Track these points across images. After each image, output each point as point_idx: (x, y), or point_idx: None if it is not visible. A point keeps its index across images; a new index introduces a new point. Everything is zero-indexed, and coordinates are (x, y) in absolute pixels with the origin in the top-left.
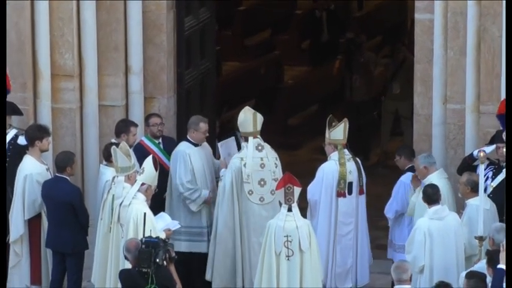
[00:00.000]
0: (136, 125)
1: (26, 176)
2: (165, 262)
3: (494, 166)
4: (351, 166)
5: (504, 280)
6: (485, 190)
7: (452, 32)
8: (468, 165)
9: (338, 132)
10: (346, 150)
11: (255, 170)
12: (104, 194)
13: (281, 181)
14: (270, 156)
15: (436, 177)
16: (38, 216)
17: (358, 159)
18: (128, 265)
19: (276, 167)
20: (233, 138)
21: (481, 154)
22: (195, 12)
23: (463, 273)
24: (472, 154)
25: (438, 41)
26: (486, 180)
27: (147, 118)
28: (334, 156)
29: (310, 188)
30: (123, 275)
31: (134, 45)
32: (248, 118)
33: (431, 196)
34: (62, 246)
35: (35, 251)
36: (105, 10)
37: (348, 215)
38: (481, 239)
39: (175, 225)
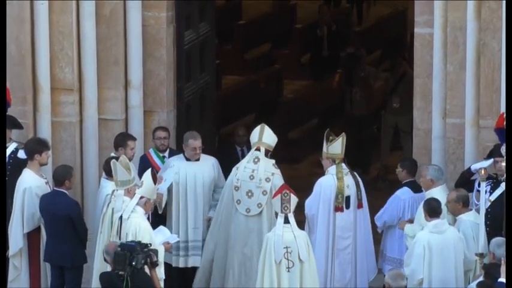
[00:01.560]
0: (134, 139)
1: (25, 189)
2: (146, 266)
3: (492, 180)
4: (348, 180)
5: None
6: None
7: (451, 46)
8: (466, 179)
9: (336, 146)
10: (343, 165)
11: (243, 180)
12: (104, 207)
13: (278, 190)
14: (262, 170)
15: (439, 192)
16: (37, 230)
17: (355, 173)
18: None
19: (267, 181)
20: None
21: (482, 171)
22: (195, 26)
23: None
24: (469, 168)
25: (438, 55)
26: (485, 194)
27: (154, 131)
28: (331, 170)
29: (308, 202)
30: (103, 277)
31: (134, 59)
32: (256, 129)
33: (436, 209)
34: (60, 260)
35: (34, 265)
36: (105, 24)
37: (345, 229)
38: (481, 255)
39: (174, 238)
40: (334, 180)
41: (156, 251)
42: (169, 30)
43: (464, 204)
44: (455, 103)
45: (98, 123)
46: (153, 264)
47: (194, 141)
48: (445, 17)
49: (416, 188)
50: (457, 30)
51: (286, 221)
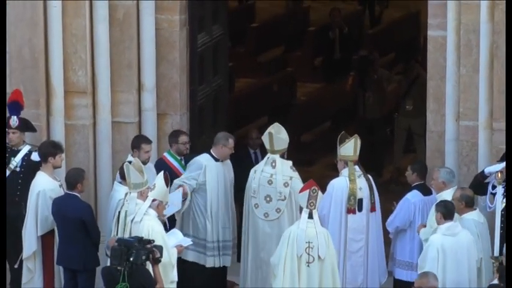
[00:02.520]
0: (149, 142)
1: (39, 192)
2: (147, 262)
3: (504, 183)
4: (361, 183)
5: None
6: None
7: (465, 49)
8: (480, 182)
9: (348, 148)
10: (357, 167)
11: (261, 184)
12: (117, 210)
13: (306, 185)
14: (281, 175)
15: (450, 195)
16: (51, 233)
17: (369, 176)
18: None
19: (286, 186)
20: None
21: (499, 175)
22: (208, 29)
23: None
24: (483, 171)
25: (451, 58)
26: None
27: (176, 135)
28: (344, 172)
29: (319, 202)
30: (104, 271)
31: (147, 62)
32: (265, 137)
33: (452, 211)
34: (72, 263)
35: (48, 267)
36: (118, 27)
37: (357, 231)
38: (496, 259)
39: (187, 241)
40: (347, 182)
41: (160, 248)
42: (182, 33)
43: (467, 204)
44: (468, 106)
45: (111, 126)
46: (156, 261)
47: (233, 141)
48: (458, 19)
49: (426, 191)
50: (470, 32)
51: (310, 216)
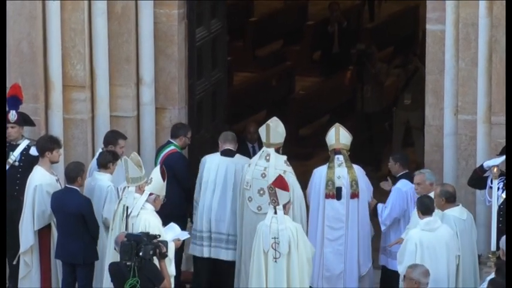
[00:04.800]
0: (125, 138)
1: (35, 186)
2: (154, 257)
3: (505, 177)
4: (341, 172)
5: None
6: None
7: (463, 43)
8: (479, 176)
9: (329, 137)
10: (341, 156)
11: (255, 177)
12: (115, 204)
13: (273, 182)
14: (273, 168)
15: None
16: (48, 227)
17: (357, 166)
18: None
19: None
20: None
21: (495, 170)
22: (207, 23)
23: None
24: (482, 165)
25: (450, 52)
26: (497, 190)
27: (186, 128)
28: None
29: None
30: (112, 267)
31: (146, 56)
32: (262, 129)
33: (430, 206)
34: (72, 257)
35: (45, 262)
36: (116, 21)
37: (335, 219)
38: (493, 253)
39: (184, 235)
40: (326, 169)
41: (165, 242)
42: (180, 28)
43: (448, 200)
44: (467, 99)
45: (109, 120)
46: (162, 256)
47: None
48: (456, 13)
49: (412, 179)
50: (469, 26)
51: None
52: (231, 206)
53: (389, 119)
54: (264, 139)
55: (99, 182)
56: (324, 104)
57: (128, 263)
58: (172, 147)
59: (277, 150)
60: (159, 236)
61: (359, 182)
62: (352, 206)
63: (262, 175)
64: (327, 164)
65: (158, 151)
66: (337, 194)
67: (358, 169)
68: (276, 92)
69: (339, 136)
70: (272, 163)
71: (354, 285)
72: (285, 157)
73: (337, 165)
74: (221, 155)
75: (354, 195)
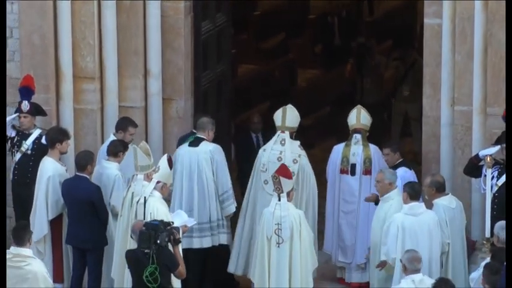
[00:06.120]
0: (135, 126)
1: (49, 177)
2: (169, 244)
3: (499, 166)
4: (357, 149)
5: None
6: (490, 189)
7: (460, 36)
8: (474, 165)
9: (351, 117)
10: (359, 135)
11: (271, 161)
12: (124, 191)
13: (277, 170)
14: (289, 152)
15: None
16: (59, 216)
17: (373, 146)
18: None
19: (294, 163)
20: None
21: (488, 159)
22: (212, 16)
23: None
24: (477, 154)
25: (446, 45)
26: (492, 179)
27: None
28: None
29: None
30: (129, 254)
31: (153, 49)
32: (279, 112)
33: (418, 192)
34: (82, 243)
35: (57, 250)
36: (125, 14)
37: (349, 193)
38: (488, 240)
39: (191, 222)
40: (343, 146)
41: (178, 229)
42: (187, 21)
43: (438, 190)
44: (463, 91)
45: (118, 110)
46: (176, 242)
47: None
48: (453, 8)
49: (408, 165)
50: (465, 20)
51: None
52: (199, 194)
53: (388, 110)
54: (279, 123)
55: (107, 171)
56: (325, 95)
57: (146, 251)
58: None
59: (290, 135)
60: (173, 222)
61: (373, 160)
62: (365, 182)
63: (278, 159)
64: (345, 142)
65: (181, 141)
66: (351, 170)
67: (374, 148)
68: (279, 83)
69: (360, 117)
70: (288, 147)
71: (362, 259)
72: (298, 142)
73: (353, 143)
74: (188, 145)
75: (367, 171)
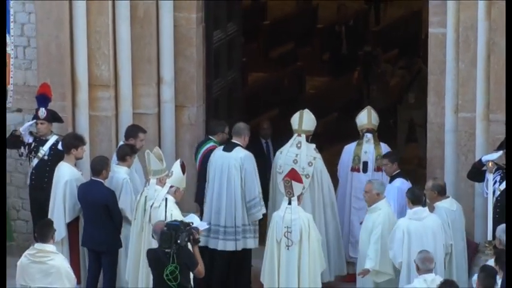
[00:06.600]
0: (144, 132)
1: (66, 181)
2: (188, 244)
3: (502, 170)
4: (368, 147)
5: None
6: (493, 193)
7: (463, 45)
8: (477, 169)
9: (362, 118)
10: (370, 135)
11: (287, 163)
12: (137, 195)
13: (287, 174)
14: (305, 154)
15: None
16: (76, 219)
17: (385, 145)
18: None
19: (310, 165)
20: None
21: (490, 164)
22: (223, 26)
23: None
24: (480, 160)
25: (450, 53)
26: (494, 184)
27: (224, 125)
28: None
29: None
30: (150, 254)
31: (166, 58)
32: (296, 116)
33: (419, 197)
34: (97, 245)
35: (75, 252)
36: (139, 25)
37: (361, 190)
38: (490, 243)
39: (203, 225)
40: (355, 146)
41: (197, 229)
42: (199, 30)
43: (440, 193)
44: (466, 98)
45: (132, 117)
46: (195, 241)
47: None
48: (457, 17)
49: (405, 177)
50: (469, 29)
51: (290, 202)
52: (228, 199)
53: (393, 117)
54: (296, 126)
55: (116, 175)
56: (333, 102)
57: (166, 250)
58: (211, 144)
59: (306, 139)
60: (192, 223)
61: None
62: (376, 177)
63: (294, 161)
64: (357, 141)
65: (198, 147)
66: (364, 167)
67: (384, 146)
68: (288, 91)
69: (371, 117)
70: (303, 150)
71: None
72: (313, 145)
73: (365, 141)
74: (223, 150)
75: (379, 168)
